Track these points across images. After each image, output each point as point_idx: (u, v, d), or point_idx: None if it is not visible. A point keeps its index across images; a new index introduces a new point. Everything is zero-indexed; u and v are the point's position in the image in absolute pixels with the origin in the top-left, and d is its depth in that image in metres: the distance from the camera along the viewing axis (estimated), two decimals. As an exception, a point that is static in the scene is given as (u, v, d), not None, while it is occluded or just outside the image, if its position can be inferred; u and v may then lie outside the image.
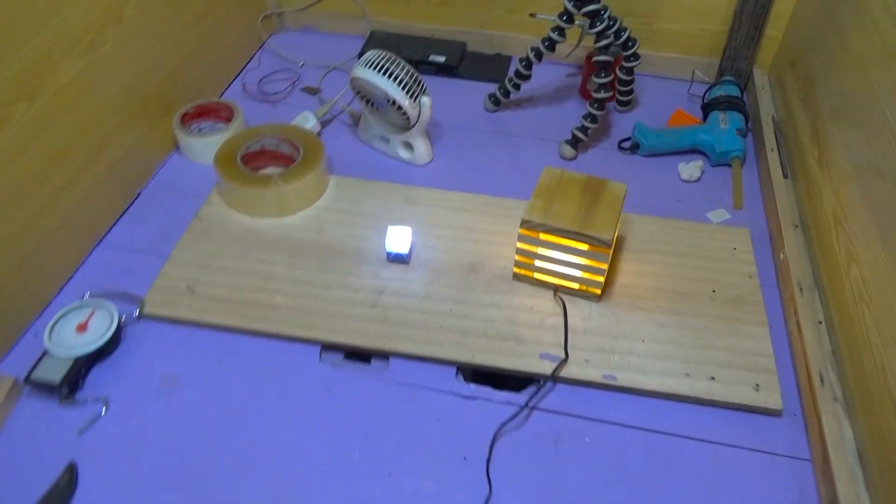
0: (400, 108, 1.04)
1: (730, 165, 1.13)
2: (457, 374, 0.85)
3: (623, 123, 1.24)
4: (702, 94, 1.25)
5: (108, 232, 1.02)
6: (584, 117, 1.13)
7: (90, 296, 0.92)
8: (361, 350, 0.87)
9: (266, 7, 1.40)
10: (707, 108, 1.19)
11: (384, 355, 0.87)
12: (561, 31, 1.10)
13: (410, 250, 0.96)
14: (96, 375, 0.85)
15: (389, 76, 1.03)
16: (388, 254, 0.95)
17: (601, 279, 0.88)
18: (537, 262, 0.90)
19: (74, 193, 0.94)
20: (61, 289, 0.94)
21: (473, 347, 0.85)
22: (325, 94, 1.28)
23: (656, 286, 0.93)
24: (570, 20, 1.08)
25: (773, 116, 1.18)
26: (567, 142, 1.15)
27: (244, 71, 1.33)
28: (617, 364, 0.83)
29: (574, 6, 1.06)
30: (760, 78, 1.27)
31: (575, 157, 1.15)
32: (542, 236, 0.86)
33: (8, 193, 0.83)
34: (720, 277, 0.94)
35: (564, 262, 0.88)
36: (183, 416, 0.81)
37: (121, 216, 1.05)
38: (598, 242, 0.83)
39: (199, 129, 1.18)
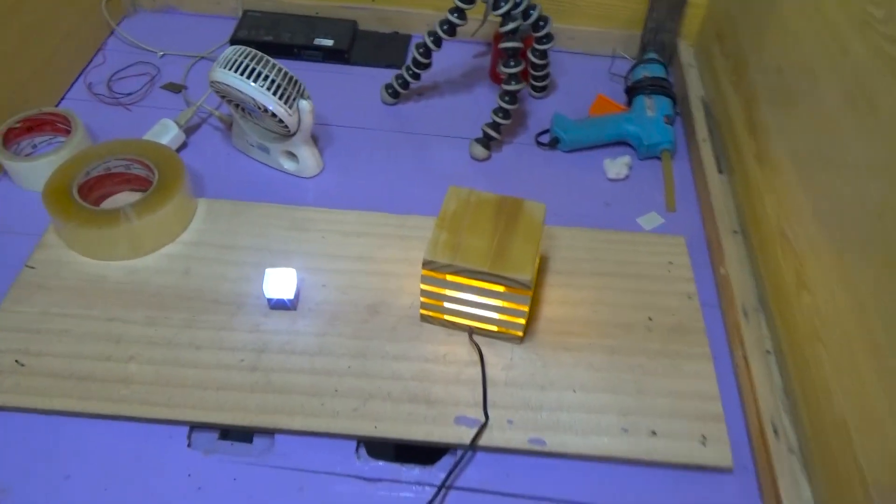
0: (274, 115, 0.86)
1: (659, 159, 1.01)
2: (357, 448, 0.71)
3: (540, 111, 1.09)
4: (624, 74, 1.12)
5: (-87, 292, 0.81)
6: (495, 112, 0.98)
7: None
8: (238, 429, 0.71)
9: (111, -15, 1.17)
10: (631, 91, 1.06)
11: (268, 432, 0.72)
12: (460, 12, 0.94)
13: (296, 295, 0.80)
14: None
15: (256, 79, 0.84)
16: (269, 300, 0.79)
17: (522, 321, 0.74)
18: (447, 304, 0.76)
19: None
20: None
21: (376, 415, 0.71)
22: (192, 92, 1.07)
23: (587, 317, 0.80)
24: (471, 0, 0.92)
25: (702, 98, 1.06)
26: (477, 140, 1.00)
27: (89, 67, 1.10)
28: (545, 423, 0.71)
29: (475, -17, 0.90)
30: (686, 52, 1.15)
31: (488, 158, 1.01)
32: (450, 278, 0.72)
33: None
34: (657, 300, 0.83)
35: (478, 304, 0.74)
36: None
37: (-71, 269, 0.83)
38: (516, 284, 0.69)
39: (33, 147, 0.96)
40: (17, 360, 0.74)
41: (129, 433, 0.71)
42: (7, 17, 0.92)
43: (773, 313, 0.77)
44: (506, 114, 0.97)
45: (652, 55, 1.09)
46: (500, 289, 0.71)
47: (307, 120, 0.89)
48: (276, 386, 0.73)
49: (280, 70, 0.86)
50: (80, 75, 1.09)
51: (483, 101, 1.10)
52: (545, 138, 1.03)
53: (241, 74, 0.84)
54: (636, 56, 1.17)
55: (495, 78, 1.13)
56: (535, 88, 1.10)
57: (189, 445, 0.71)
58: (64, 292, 0.80)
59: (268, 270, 0.79)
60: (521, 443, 0.70)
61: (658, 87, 1.03)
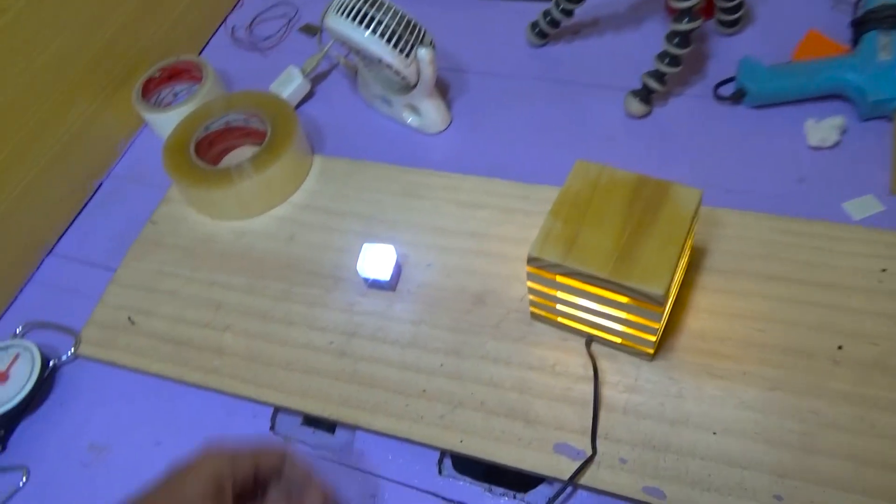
0: (390, 66, 0.76)
1: (889, 121, 0.75)
2: (441, 460, 0.62)
3: (725, 53, 0.86)
4: (853, 3, 0.84)
5: (60, 239, 0.86)
6: (660, 57, 0.78)
7: (24, 328, 0.77)
8: (319, 418, 0.66)
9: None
10: (859, 25, 0.79)
11: (349, 426, 0.65)
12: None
13: (395, 274, 0.71)
14: (22, 432, 0.71)
15: (368, 25, 0.74)
16: (366, 279, 0.71)
17: (653, 338, 0.58)
18: (560, 307, 0.62)
19: (8, 193, 0.77)
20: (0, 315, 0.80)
21: (463, 427, 0.61)
22: (326, 35, 1.00)
23: (748, 337, 0.62)
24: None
25: (970, 34, 0.76)
26: (635, 93, 0.81)
27: (233, 12, 1.07)
28: (669, 470, 0.56)
29: None
30: (955, -33, 0.82)
31: (648, 114, 0.82)
32: (560, 279, 0.58)
33: None
34: (854, 323, 0.61)
35: (597, 312, 0.59)
36: (109, 495, 0.65)
37: (75, 217, 0.87)
38: (643, 297, 0.54)
39: (174, 95, 0.96)
40: (129, 318, 0.75)
41: (220, 405, 0.69)
42: (149, -37, 0.91)
43: None
44: (673, 60, 0.77)
45: (898, -26, 0.80)
46: (624, 300, 0.55)
47: (428, 71, 0.77)
48: (362, 377, 0.66)
49: (397, 13, 0.75)
50: (224, 20, 1.07)
51: (654, 41, 0.89)
52: (727, 89, 0.81)
53: (353, 20, 0.74)
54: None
55: (672, 11, 0.91)
56: (722, 23, 0.87)
57: (272, 428, 0.67)
58: (177, 251, 0.79)
59: (365, 245, 0.70)
60: (633, 490, 0.56)
61: (900, 20, 0.75)
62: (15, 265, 0.81)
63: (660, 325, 0.57)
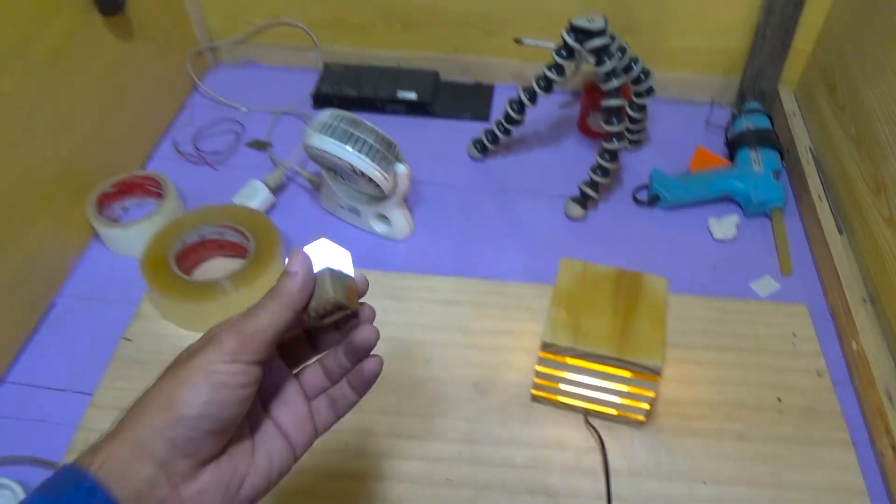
0: (371, 180, 0.84)
1: (768, 217, 0.96)
2: (474, 544, 0.67)
3: (635, 165, 1.04)
4: (724, 125, 1.06)
5: (13, 364, 0.80)
6: (593, 170, 0.93)
7: (-10, 467, 0.71)
8: (348, 521, 0.67)
9: (196, 42, 1.17)
10: (733, 144, 1.01)
11: (378, 524, 0.68)
12: (559, 68, 0.90)
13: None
14: (-1, 586, 0.64)
15: (354, 143, 0.82)
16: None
17: (647, 406, 0.69)
18: (563, 386, 0.71)
19: None
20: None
21: (492, 508, 0.67)
22: (277, 150, 1.05)
23: (710, 398, 0.75)
24: (571, 55, 0.88)
25: (810, 149, 1.00)
26: (574, 199, 0.95)
27: (174, 126, 1.10)
28: (677, 520, 0.65)
29: (576, 40, 0.86)
30: (788, 99, 1.09)
31: (584, 217, 0.96)
32: (570, 361, 0.67)
33: None
34: (784, 378, 0.76)
35: (599, 387, 0.69)
36: None
37: (28, 340, 0.82)
38: (644, 370, 0.64)
39: (124, 211, 0.95)
40: (117, 441, 0.72)
41: None
42: (99, 85, 0.92)
43: (921, 397, 0.70)
44: (605, 172, 0.93)
45: (754, 105, 1.03)
46: (626, 374, 0.66)
47: (403, 184, 0.86)
48: (387, 474, 0.69)
49: (377, 134, 0.84)
50: (166, 134, 1.08)
51: (572, 154, 1.06)
52: (643, 195, 0.98)
53: (338, 139, 0.82)
54: (733, 104, 1.12)
55: (585, 130, 1.09)
56: (630, 141, 1.05)
57: None
58: (160, 367, 0.78)
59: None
60: (651, 543, 0.64)
61: (764, 139, 0.98)
62: (-32, 398, 0.74)
63: (655, 394, 0.68)
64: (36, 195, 0.82)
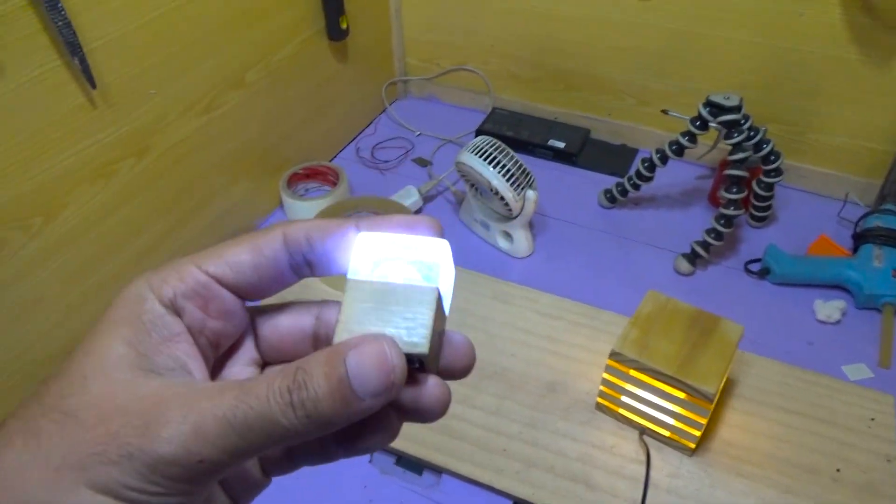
0: (503, 198, 0.98)
1: (879, 311, 0.96)
2: (513, 510, 0.76)
3: (754, 240, 1.10)
4: (854, 221, 1.08)
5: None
6: (708, 232, 1.01)
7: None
8: (413, 459, 0.79)
9: (393, 74, 1.41)
10: (859, 238, 1.03)
11: (437, 470, 0.79)
12: (692, 136, 1.00)
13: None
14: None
15: (496, 165, 0.97)
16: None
17: (697, 433, 0.75)
18: (624, 398, 0.79)
19: (171, 245, 0.95)
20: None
21: (536, 483, 0.75)
22: (435, 168, 1.24)
23: (767, 450, 0.78)
24: (704, 127, 0.98)
25: (942, 259, 0.99)
26: (684, 255, 1.03)
27: (360, 135, 1.33)
28: (702, 541, 0.70)
29: (710, 113, 0.96)
30: (931, 210, 1.08)
31: (692, 274, 1.03)
32: (633, 373, 0.75)
33: (105, 242, 0.85)
34: (850, 454, 0.78)
35: (655, 405, 0.76)
36: None
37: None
38: (697, 394, 0.71)
39: (306, 191, 1.18)
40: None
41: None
42: (314, 91, 1.17)
43: None
44: (718, 235, 1.00)
45: (890, 206, 1.05)
46: (682, 395, 0.73)
47: (530, 207, 1.00)
48: (453, 431, 0.81)
49: (517, 162, 0.99)
50: (353, 140, 1.32)
51: (697, 221, 1.14)
52: (755, 266, 1.03)
53: (484, 160, 0.97)
54: (871, 204, 1.13)
55: (714, 202, 1.16)
56: (754, 217, 1.11)
57: (370, 461, 0.80)
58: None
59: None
60: (672, 553, 0.69)
61: (891, 239, 0.99)
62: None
63: (706, 421, 0.73)
64: (245, 162, 1.06)
